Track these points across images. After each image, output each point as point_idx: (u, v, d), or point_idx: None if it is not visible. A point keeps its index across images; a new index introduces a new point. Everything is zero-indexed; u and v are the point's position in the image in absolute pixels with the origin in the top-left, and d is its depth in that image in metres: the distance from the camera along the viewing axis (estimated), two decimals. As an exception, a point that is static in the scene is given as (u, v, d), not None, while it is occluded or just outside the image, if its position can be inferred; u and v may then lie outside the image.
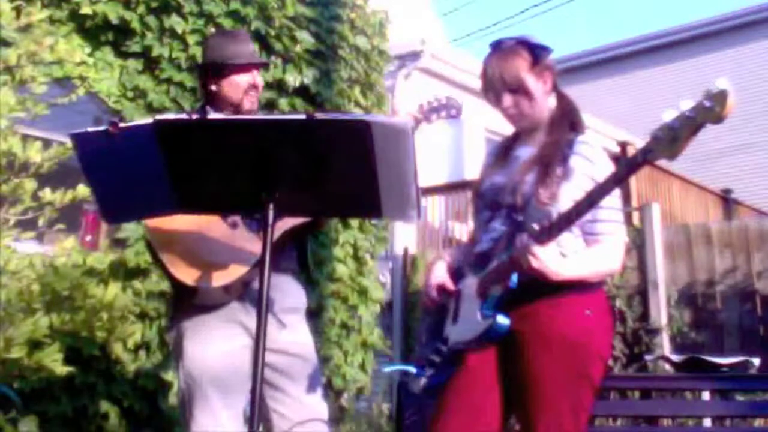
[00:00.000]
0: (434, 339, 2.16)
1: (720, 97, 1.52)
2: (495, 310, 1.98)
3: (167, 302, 2.55)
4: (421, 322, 2.33)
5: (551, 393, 1.94)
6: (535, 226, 1.83)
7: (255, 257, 2.18)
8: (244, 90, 2.44)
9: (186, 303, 2.29)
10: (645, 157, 1.68)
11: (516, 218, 2.00)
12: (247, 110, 2.45)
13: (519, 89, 2.07)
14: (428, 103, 2.57)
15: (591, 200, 1.79)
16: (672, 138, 1.61)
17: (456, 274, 2.18)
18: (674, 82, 13.52)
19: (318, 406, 2.40)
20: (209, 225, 2.27)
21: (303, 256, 2.56)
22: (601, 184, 1.80)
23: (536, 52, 2.07)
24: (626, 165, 1.76)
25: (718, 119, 1.54)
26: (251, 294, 2.22)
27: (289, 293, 2.40)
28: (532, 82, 2.07)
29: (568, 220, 1.82)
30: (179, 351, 2.33)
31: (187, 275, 2.22)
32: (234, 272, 2.24)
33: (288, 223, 2.31)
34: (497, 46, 2.12)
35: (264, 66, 2.53)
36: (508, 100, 2.09)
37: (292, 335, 2.37)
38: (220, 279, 2.23)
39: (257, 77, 2.49)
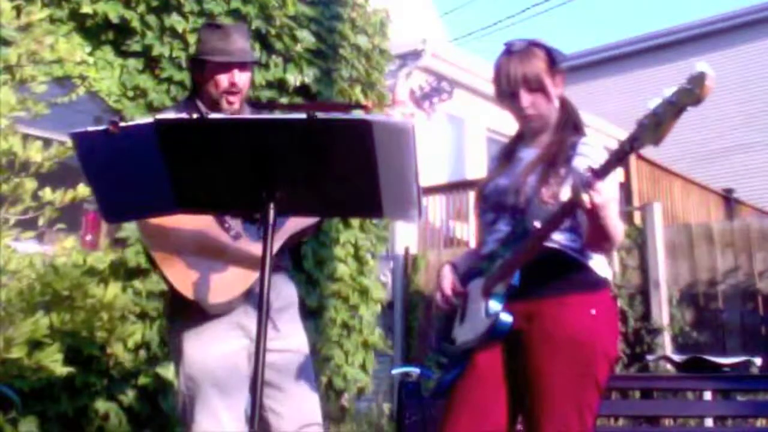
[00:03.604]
0: (443, 341, 2.17)
1: (698, 79, 1.58)
2: (499, 308, 1.99)
3: (165, 302, 2.52)
4: (432, 327, 2.34)
5: (557, 393, 1.94)
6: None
7: (258, 271, 2.14)
8: (222, 89, 2.34)
9: (185, 306, 2.27)
10: (632, 145, 1.70)
11: (519, 218, 2.01)
12: (225, 111, 2.35)
13: (539, 89, 2.08)
14: (420, 89, 2.54)
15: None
16: (656, 123, 1.64)
17: (464, 277, 2.19)
18: (675, 82, 13.33)
19: (314, 408, 2.41)
20: (211, 238, 2.25)
21: (295, 253, 2.54)
22: (612, 153, 1.79)
23: (553, 55, 2.09)
24: (615, 153, 1.78)
25: (697, 101, 1.59)
26: (251, 296, 2.21)
27: (282, 291, 2.40)
28: (550, 83, 2.08)
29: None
30: (179, 353, 2.31)
31: (192, 291, 2.19)
32: (238, 287, 2.22)
33: (298, 225, 2.31)
34: (512, 47, 2.12)
35: (247, 65, 2.40)
36: (527, 99, 2.09)
37: (287, 332, 2.37)
38: (224, 295, 2.22)
39: (239, 76, 2.36)
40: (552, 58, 2.09)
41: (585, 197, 1.78)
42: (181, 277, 2.20)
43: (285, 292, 2.43)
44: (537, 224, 1.91)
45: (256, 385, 1.74)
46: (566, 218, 1.90)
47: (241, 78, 2.37)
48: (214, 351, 2.26)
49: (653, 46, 14.97)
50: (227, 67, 2.34)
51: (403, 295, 8.67)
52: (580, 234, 2.01)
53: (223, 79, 2.34)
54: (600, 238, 1.93)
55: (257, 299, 1.81)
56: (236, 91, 2.37)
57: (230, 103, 2.36)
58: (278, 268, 2.35)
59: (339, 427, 5.60)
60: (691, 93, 1.58)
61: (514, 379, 2.04)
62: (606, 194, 1.79)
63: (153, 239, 2.26)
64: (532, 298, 1.99)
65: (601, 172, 1.78)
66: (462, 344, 2.10)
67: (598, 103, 13.49)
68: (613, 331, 2.09)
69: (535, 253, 1.95)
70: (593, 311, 1.99)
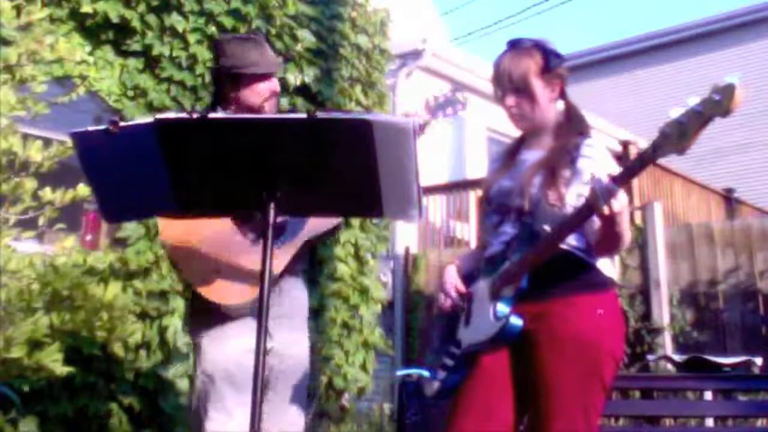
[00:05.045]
0: (447, 342, 2.17)
1: (728, 90, 1.56)
2: (508, 311, 1.99)
3: (187, 301, 2.61)
4: (433, 327, 2.34)
5: (564, 393, 1.95)
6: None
7: (276, 272, 2.26)
8: (265, 97, 2.48)
9: (206, 305, 2.32)
10: (655, 153, 1.70)
11: (525, 221, 2.01)
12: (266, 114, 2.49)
13: (524, 91, 2.07)
14: (434, 99, 2.57)
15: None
16: (680, 133, 1.64)
17: (467, 278, 2.18)
18: (675, 81, 13.51)
19: (296, 418, 2.46)
20: (231, 243, 2.32)
21: (312, 257, 2.61)
22: (632, 161, 1.80)
23: (549, 59, 2.07)
24: (636, 161, 1.77)
25: (726, 112, 1.57)
26: None
27: (290, 300, 2.45)
28: (539, 87, 2.07)
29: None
30: (198, 349, 2.41)
31: (217, 296, 2.29)
32: (254, 290, 2.28)
33: (317, 228, 2.37)
34: (513, 45, 2.11)
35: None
36: (511, 99, 2.10)
37: (285, 339, 2.42)
38: (246, 296, 2.28)
39: (276, 83, 2.53)
40: (547, 61, 2.08)
41: (606, 203, 1.78)
42: (206, 284, 2.29)
43: (295, 300, 2.48)
44: (547, 228, 1.91)
45: (257, 385, 1.74)
46: (583, 223, 1.89)
47: (277, 84, 2.56)
48: (230, 349, 2.33)
49: (653, 46, 14.96)
50: (268, 77, 2.50)
51: (403, 295, 8.66)
52: (584, 234, 2.00)
53: (265, 89, 2.49)
54: (611, 243, 1.94)
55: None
56: (276, 97, 2.55)
57: (272, 107, 2.53)
58: (293, 272, 2.40)
59: (339, 427, 5.59)
60: (720, 104, 1.57)
61: (520, 378, 2.04)
62: (624, 201, 1.80)
63: (174, 244, 2.34)
64: (539, 299, 1.99)
65: (621, 179, 1.79)
66: (468, 346, 2.10)
67: (598, 103, 13.47)
68: (620, 332, 2.09)
69: (547, 256, 1.95)
70: (600, 311, 2.00)
